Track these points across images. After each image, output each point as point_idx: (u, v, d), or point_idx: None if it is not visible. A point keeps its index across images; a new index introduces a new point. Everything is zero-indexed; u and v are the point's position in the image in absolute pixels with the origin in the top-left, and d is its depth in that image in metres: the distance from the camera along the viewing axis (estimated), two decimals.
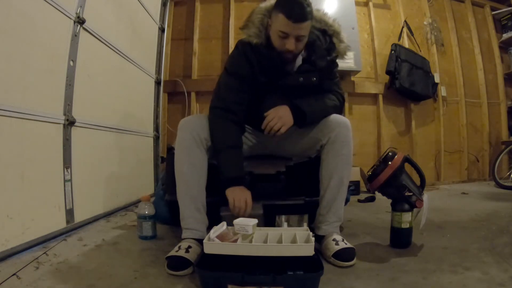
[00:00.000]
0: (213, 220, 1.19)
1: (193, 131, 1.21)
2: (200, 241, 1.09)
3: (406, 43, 3.24)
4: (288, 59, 1.26)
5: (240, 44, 1.31)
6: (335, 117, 1.30)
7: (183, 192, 1.20)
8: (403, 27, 3.25)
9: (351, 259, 1.10)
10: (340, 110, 1.38)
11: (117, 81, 2.04)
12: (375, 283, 0.96)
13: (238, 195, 1.18)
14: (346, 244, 1.15)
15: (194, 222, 1.19)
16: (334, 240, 1.17)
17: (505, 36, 3.61)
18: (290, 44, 1.19)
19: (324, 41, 1.31)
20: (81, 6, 1.55)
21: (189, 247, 1.09)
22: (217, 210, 1.28)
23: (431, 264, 1.09)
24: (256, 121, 1.32)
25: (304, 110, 1.25)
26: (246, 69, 1.28)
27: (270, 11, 1.25)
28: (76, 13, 1.52)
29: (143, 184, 2.43)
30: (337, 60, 1.36)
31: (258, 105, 1.31)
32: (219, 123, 1.24)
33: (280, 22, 1.18)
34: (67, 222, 1.46)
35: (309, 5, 1.18)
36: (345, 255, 1.11)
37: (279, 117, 1.23)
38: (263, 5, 1.29)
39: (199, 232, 1.17)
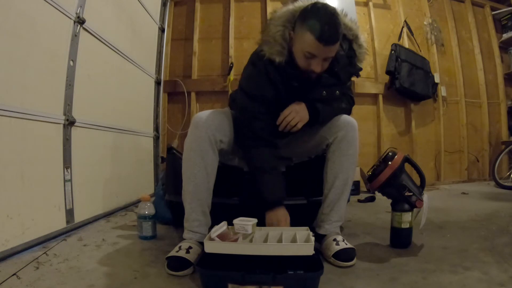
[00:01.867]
0: (215, 219, 1.19)
1: (208, 130, 1.14)
2: (201, 242, 1.09)
3: (406, 43, 3.24)
4: (312, 79, 1.18)
5: (262, 64, 1.18)
6: (343, 116, 1.27)
7: (191, 194, 1.16)
8: (403, 27, 3.25)
9: (351, 259, 1.10)
10: (349, 113, 1.36)
11: (117, 81, 2.04)
12: (375, 283, 0.96)
13: (278, 218, 1.19)
14: (346, 244, 1.15)
15: (199, 225, 1.17)
16: (334, 240, 1.17)
17: (505, 36, 3.61)
18: (317, 66, 1.11)
19: (344, 45, 1.21)
20: (81, 6, 1.55)
21: (190, 247, 1.09)
22: (220, 211, 1.25)
23: (431, 264, 1.09)
24: None
25: (318, 108, 1.23)
26: (271, 92, 1.20)
27: (291, 21, 1.15)
28: (76, 13, 1.52)
29: (143, 184, 2.43)
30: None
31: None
32: (253, 152, 1.22)
33: (307, 43, 1.08)
34: (67, 222, 1.46)
35: (340, 23, 1.09)
36: (345, 255, 1.10)
37: (296, 111, 1.21)
38: (280, 14, 1.18)
39: (202, 234, 1.16)
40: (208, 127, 1.14)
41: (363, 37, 1.24)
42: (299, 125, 1.21)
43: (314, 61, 1.11)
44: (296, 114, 1.21)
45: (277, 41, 1.14)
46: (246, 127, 1.22)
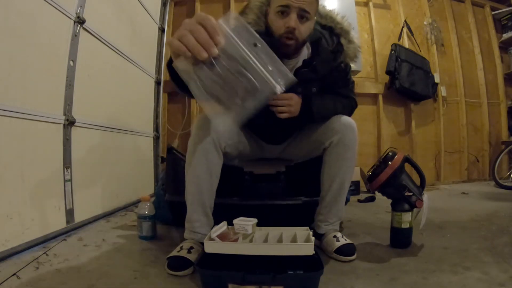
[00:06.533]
0: (215, 219, 1.19)
1: (213, 132, 1.10)
2: (202, 243, 1.08)
3: (406, 43, 3.24)
4: (289, 46, 1.10)
5: None
6: (339, 118, 1.20)
7: (193, 195, 1.14)
8: (403, 27, 3.25)
9: (353, 254, 1.14)
10: (349, 115, 1.30)
11: (117, 81, 2.04)
12: (375, 283, 0.95)
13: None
14: (346, 240, 1.18)
15: (200, 226, 1.16)
16: (334, 236, 1.20)
17: (505, 36, 3.61)
18: (291, 21, 1.03)
19: (331, 41, 1.19)
20: (81, 6, 1.55)
21: (191, 247, 1.09)
22: (220, 211, 1.24)
23: (431, 264, 1.09)
24: (259, 130, 1.33)
25: (313, 111, 1.18)
26: None
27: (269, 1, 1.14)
28: (76, 13, 1.52)
29: (143, 184, 2.43)
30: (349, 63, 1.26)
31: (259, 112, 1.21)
32: None
33: None
34: (67, 222, 1.46)
35: None
36: (347, 250, 1.14)
37: (290, 105, 1.16)
38: None
39: (203, 235, 1.14)
40: (213, 129, 1.10)
41: (356, 35, 1.21)
42: (283, 116, 1.16)
43: (289, 17, 1.05)
44: (288, 107, 1.16)
45: (253, 11, 1.14)
46: None
